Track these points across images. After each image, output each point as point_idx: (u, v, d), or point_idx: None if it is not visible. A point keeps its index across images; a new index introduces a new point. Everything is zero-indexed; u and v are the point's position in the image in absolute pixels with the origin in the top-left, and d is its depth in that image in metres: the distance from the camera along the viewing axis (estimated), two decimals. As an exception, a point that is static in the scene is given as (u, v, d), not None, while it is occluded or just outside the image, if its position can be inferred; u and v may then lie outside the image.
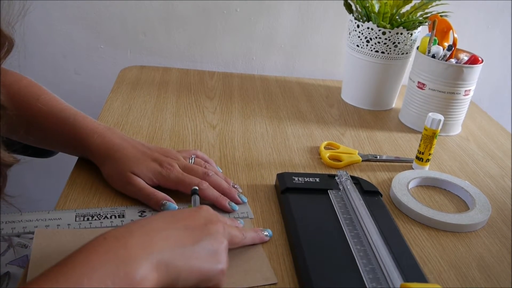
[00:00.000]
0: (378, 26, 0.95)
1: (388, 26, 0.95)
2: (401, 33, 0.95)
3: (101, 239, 0.42)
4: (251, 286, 0.52)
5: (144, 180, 0.62)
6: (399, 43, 0.96)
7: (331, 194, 0.67)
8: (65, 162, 0.73)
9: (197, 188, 0.60)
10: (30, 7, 0.48)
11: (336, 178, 0.71)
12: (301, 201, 0.65)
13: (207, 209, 0.51)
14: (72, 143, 0.65)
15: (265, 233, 0.59)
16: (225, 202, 0.62)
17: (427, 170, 0.80)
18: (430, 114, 0.77)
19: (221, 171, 0.72)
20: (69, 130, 0.65)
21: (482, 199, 0.72)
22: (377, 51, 0.97)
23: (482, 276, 0.59)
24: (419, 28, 0.98)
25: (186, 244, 0.45)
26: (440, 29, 0.94)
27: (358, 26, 0.98)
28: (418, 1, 0.98)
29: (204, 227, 0.48)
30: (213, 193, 0.62)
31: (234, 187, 0.67)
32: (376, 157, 0.82)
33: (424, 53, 0.92)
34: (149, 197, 0.61)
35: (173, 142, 0.80)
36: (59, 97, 0.69)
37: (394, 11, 0.97)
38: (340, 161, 0.79)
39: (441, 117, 0.76)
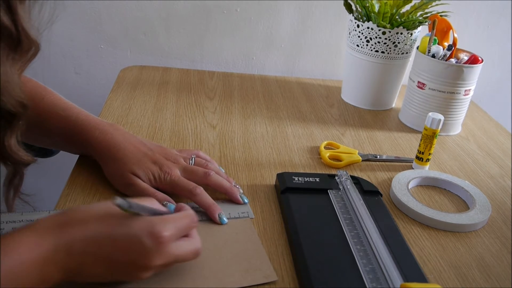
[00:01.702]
0: (378, 26, 0.95)
1: (388, 26, 0.95)
2: (401, 33, 0.95)
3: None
4: (251, 284, 0.52)
5: (144, 181, 0.62)
6: (399, 43, 0.96)
7: (331, 194, 0.67)
8: (65, 162, 0.73)
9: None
10: (59, 15, 0.49)
11: (336, 178, 0.71)
12: (301, 201, 0.65)
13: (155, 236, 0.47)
14: (74, 140, 0.66)
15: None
16: (216, 212, 0.61)
17: (427, 170, 0.80)
18: (430, 113, 0.77)
19: (223, 171, 0.72)
20: (71, 128, 0.65)
21: (482, 199, 0.72)
22: (377, 51, 0.97)
23: (482, 276, 0.59)
24: (419, 28, 0.98)
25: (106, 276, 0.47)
26: (440, 28, 0.94)
27: (358, 26, 0.98)
28: (418, 1, 0.98)
29: (133, 269, 0.47)
30: (206, 200, 0.61)
31: (236, 187, 0.67)
32: (376, 157, 0.82)
33: (424, 53, 0.92)
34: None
35: (173, 142, 0.80)
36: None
37: (394, 11, 0.97)
38: (340, 161, 0.80)
39: (441, 117, 0.76)
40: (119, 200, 0.45)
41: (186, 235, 0.51)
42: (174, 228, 0.48)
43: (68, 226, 0.46)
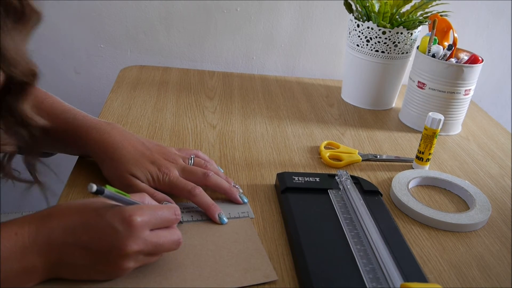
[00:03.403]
0: (378, 26, 0.95)
1: (388, 25, 0.95)
2: (401, 33, 0.95)
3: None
4: (251, 284, 0.52)
5: (142, 182, 0.62)
6: (399, 42, 0.96)
7: (331, 193, 0.67)
8: (65, 162, 0.73)
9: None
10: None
11: (336, 177, 0.71)
12: (301, 201, 0.65)
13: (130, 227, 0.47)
14: (72, 142, 0.66)
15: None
16: (216, 212, 0.61)
17: (427, 170, 0.80)
18: (430, 113, 0.77)
19: (223, 171, 0.72)
20: (69, 129, 0.65)
21: (482, 198, 0.72)
22: (377, 51, 0.97)
23: (482, 276, 0.59)
24: (419, 28, 0.98)
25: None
26: (440, 28, 0.94)
27: (358, 25, 0.98)
28: (418, 1, 0.98)
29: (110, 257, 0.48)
30: (205, 200, 0.61)
31: (235, 187, 0.67)
32: (376, 157, 0.82)
33: (424, 53, 0.92)
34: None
35: (173, 142, 0.80)
36: (61, 99, 0.69)
37: (394, 10, 0.97)
38: (340, 160, 0.80)
39: (441, 117, 0.76)
40: (94, 187, 0.45)
41: (167, 227, 0.51)
42: (149, 215, 0.49)
43: (48, 218, 0.47)
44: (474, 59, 0.91)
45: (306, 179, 0.69)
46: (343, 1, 1.00)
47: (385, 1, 0.95)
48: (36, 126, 0.53)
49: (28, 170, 0.57)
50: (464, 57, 0.94)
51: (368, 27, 0.96)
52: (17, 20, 0.45)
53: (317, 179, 0.69)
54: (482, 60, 0.91)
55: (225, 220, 0.61)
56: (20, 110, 0.51)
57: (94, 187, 0.45)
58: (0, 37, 0.43)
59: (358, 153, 0.82)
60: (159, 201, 0.60)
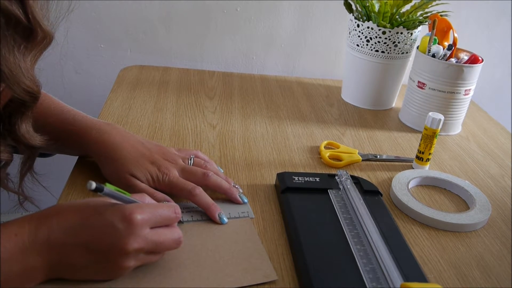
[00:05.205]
0: (378, 26, 0.95)
1: (388, 25, 0.95)
2: (401, 33, 0.95)
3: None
4: (251, 284, 0.52)
5: (142, 182, 0.62)
6: (399, 42, 0.96)
7: (331, 193, 0.67)
8: (65, 162, 0.73)
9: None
10: (75, 7, 0.50)
11: (336, 177, 0.71)
12: (301, 201, 0.65)
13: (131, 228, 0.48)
14: (72, 142, 0.66)
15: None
16: (216, 212, 0.61)
17: (427, 170, 0.80)
18: (430, 113, 0.77)
19: (222, 171, 0.72)
20: (69, 129, 0.65)
21: (482, 198, 0.72)
22: (377, 51, 0.97)
23: (482, 276, 0.59)
24: (419, 28, 0.98)
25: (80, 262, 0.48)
26: (440, 28, 0.94)
27: (358, 25, 0.98)
28: (418, 1, 0.98)
29: (109, 256, 0.48)
30: (205, 200, 0.61)
31: (235, 187, 0.67)
32: (376, 157, 0.82)
33: (424, 53, 0.92)
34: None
35: (173, 142, 0.80)
36: (60, 99, 0.69)
37: (394, 10, 0.97)
38: (340, 160, 0.80)
39: (441, 117, 0.76)
40: (93, 184, 0.45)
41: (167, 226, 0.51)
42: (149, 213, 0.49)
43: (47, 218, 0.47)
44: (474, 59, 0.91)
45: (306, 179, 0.69)
46: (343, 1, 1.00)
47: (385, 1, 0.95)
48: (32, 145, 0.53)
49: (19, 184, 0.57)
50: (464, 57, 0.94)
51: (368, 27, 0.96)
52: (24, 37, 0.45)
53: (317, 179, 0.69)
54: (482, 60, 0.91)
55: (225, 220, 0.61)
56: (17, 129, 0.50)
57: (93, 185, 0.45)
58: (3, 53, 0.42)
59: (358, 153, 0.82)
60: (159, 201, 0.60)
